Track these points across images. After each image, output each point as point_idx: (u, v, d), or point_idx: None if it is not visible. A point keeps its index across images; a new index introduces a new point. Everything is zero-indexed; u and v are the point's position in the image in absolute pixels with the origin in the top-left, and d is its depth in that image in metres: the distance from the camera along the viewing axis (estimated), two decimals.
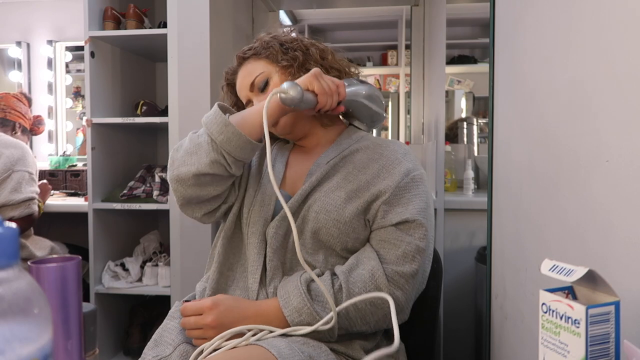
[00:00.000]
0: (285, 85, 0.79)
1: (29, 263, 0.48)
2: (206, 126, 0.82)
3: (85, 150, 2.21)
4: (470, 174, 1.96)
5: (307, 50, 0.93)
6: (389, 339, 0.95)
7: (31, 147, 2.28)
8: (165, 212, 1.76)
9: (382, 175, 0.87)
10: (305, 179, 0.90)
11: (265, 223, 0.88)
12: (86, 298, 1.86)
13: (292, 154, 0.97)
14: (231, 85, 1.00)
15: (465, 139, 2.38)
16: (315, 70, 0.84)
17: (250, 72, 0.93)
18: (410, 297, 0.84)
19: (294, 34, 0.98)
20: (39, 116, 2.16)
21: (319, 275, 0.83)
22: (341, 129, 0.98)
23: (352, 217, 0.84)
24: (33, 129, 2.12)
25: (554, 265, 0.45)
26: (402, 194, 0.85)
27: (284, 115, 0.87)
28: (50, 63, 2.63)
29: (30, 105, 2.12)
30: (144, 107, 1.94)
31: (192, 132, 0.87)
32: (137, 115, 1.93)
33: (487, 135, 1.10)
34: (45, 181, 2.04)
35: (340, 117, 0.99)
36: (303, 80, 0.82)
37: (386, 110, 2.59)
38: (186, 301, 0.89)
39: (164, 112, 1.92)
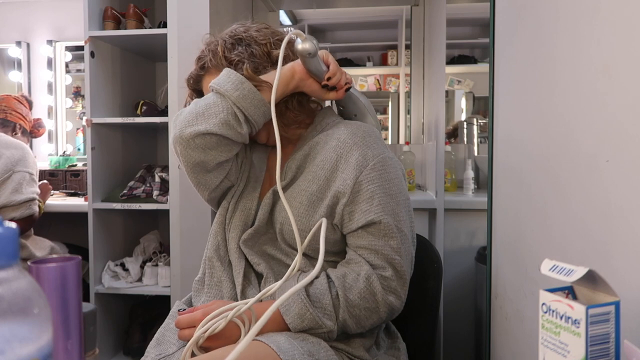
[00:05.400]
0: (305, 35, 0.81)
1: (28, 263, 0.48)
2: (218, 85, 0.80)
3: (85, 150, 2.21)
4: (470, 174, 1.96)
5: (253, 51, 0.89)
6: (388, 335, 0.95)
7: (31, 147, 2.28)
8: (165, 212, 1.76)
9: (340, 166, 0.84)
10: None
11: (244, 229, 0.88)
12: (86, 298, 1.86)
13: (271, 153, 0.96)
14: (197, 91, 0.97)
15: (465, 139, 2.38)
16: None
17: None
18: (404, 296, 0.84)
19: (240, 28, 0.92)
20: (39, 119, 2.17)
21: (315, 278, 0.82)
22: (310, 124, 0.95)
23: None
24: (33, 131, 2.12)
25: (554, 266, 0.45)
26: (363, 188, 0.81)
27: (292, 87, 0.85)
28: (50, 63, 2.63)
29: (31, 107, 2.13)
30: (144, 107, 1.94)
31: (196, 99, 0.84)
32: (137, 115, 1.93)
33: (487, 135, 1.10)
34: (45, 181, 2.04)
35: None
36: (320, 51, 0.85)
37: (386, 111, 2.59)
38: (182, 310, 0.88)
39: (164, 112, 1.92)
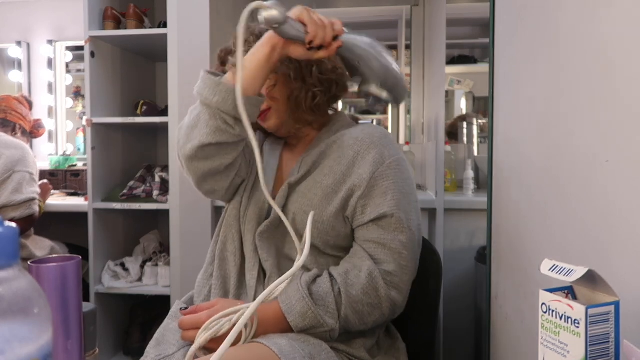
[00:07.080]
0: (267, 3, 0.69)
1: (29, 263, 0.48)
2: (199, 94, 0.79)
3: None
4: (470, 174, 1.96)
5: None
6: (389, 336, 0.95)
7: (31, 147, 2.28)
8: (165, 212, 1.76)
9: (357, 162, 0.85)
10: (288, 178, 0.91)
11: (260, 221, 0.89)
12: (86, 298, 1.86)
13: (284, 150, 0.97)
14: (224, 64, 0.96)
15: (465, 139, 2.37)
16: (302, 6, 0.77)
17: None
18: (406, 293, 0.85)
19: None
20: (38, 120, 2.17)
21: (317, 276, 0.83)
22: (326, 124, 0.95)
23: (330, 216, 0.84)
24: (33, 131, 2.13)
25: (554, 265, 0.45)
26: (378, 184, 0.83)
27: (276, 59, 0.78)
28: (50, 63, 2.63)
29: (31, 108, 2.13)
30: (144, 107, 1.95)
31: (192, 107, 0.84)
32: (137, 115, 1.93)
33: (487, 135, 1.10)
34: (46, 181, 2.04)
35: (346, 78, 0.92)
36: (291, 10, 0.75)
37: (386, 111, 2.58)
38: (184, 308, 0.88)
39: (164, 112, 1.93)
